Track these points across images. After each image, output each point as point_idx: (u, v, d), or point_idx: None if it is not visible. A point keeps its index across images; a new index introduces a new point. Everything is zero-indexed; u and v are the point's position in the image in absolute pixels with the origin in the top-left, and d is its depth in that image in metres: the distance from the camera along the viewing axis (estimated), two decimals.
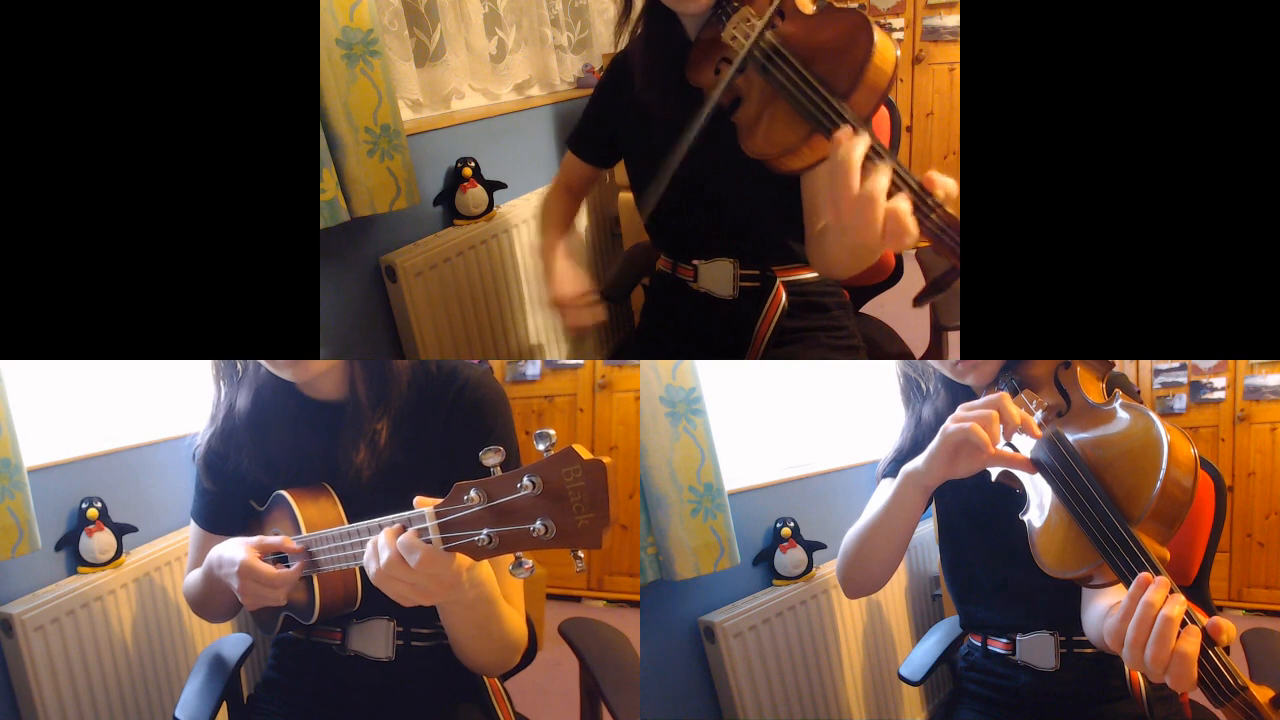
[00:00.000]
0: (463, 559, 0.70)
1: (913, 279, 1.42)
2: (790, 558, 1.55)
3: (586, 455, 0.63)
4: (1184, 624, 0.66)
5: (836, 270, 1.13)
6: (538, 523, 0.64)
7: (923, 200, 0.76)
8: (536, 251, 1.43)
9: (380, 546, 0.71)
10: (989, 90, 0.79)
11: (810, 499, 1.63)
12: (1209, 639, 0.65)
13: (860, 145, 0.75)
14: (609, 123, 1.30)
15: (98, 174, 0.77)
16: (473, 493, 0.66)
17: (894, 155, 0.79)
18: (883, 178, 0.74)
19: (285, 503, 0.93)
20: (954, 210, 0.76)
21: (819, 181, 1.05)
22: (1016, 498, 0.85)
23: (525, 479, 0.64)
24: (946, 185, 0.76)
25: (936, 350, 1.46)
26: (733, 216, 1.18)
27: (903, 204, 0.73)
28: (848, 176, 0.74)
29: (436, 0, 1.79)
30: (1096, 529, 0.74)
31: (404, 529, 0.71)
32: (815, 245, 1.10)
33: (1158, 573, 0.69)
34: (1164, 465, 0.73)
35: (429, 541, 0.69)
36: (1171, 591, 0.67)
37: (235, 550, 0.89)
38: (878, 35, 0.85)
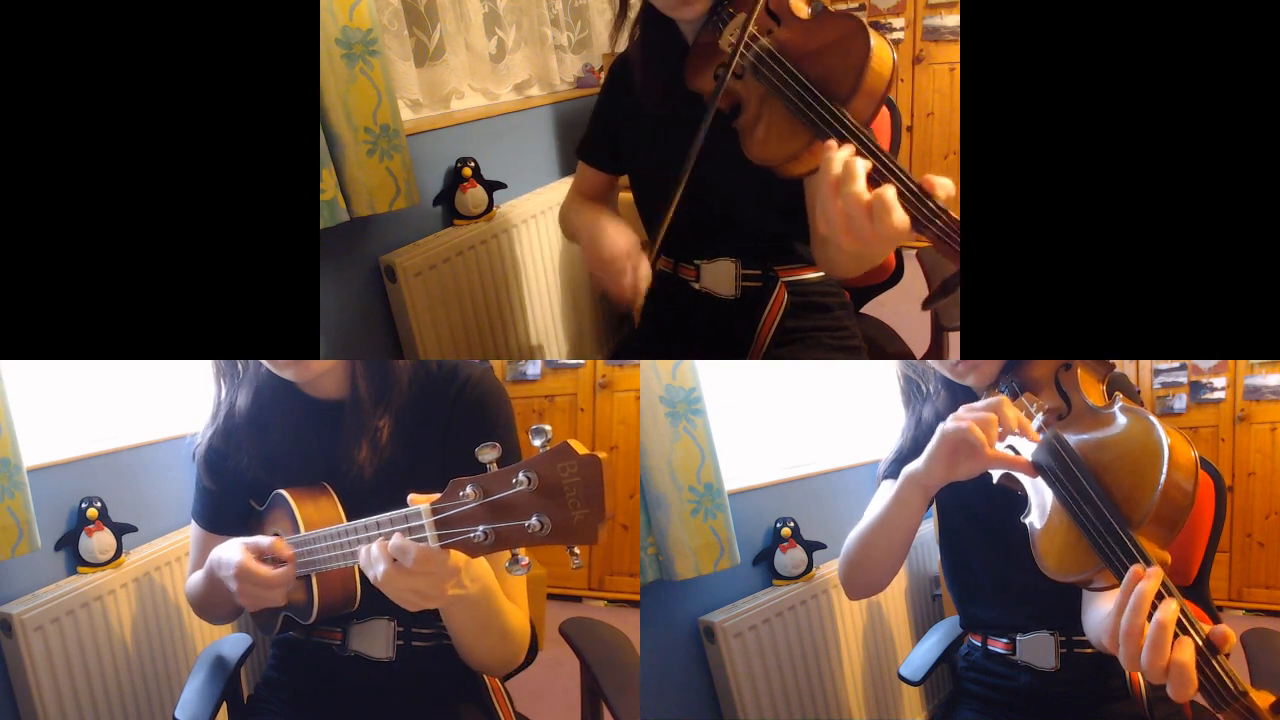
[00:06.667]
0: (458, 556, 0.70)
1: (913, 279, 1.42)
2: (790, 558, 1.55)
3: (582, 450, 0.62)
4: (1178, 633, 0.65)
5: (841, 271, 1.12)
6: (533, 518, 0.63)
7: (924, 205, 0.76)
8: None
9: (375, 557, 0.71)
10: (989, 90, 0.79)
11: (810, 499, 1.63)
12: (1212, 647, 0.65)
13: (845, 155, 0.75)
14: (612, 126, 1.30)
15: (97, 174, 0.77)
16: (469, 489, 0.66)
17: (894, 158, 0.79)
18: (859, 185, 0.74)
19: (284, 502, 0.92)
20: (955, 211, 0.76)
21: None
22: (1018, 500, 0.85)
23: (521, 475, 0.63)
24: (946, 187, 0.76)
25: (937, 350, 1.46)
26: (735, 216, 1.18)
27: (889, 193, 0.73)
28: (832, 189, 0.75)
29: (436, 0, 1.79)
30: (1097, 532, 0.74)
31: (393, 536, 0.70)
32: (820, 248, 1.10)
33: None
34: (1165, 469, 0.73)
35: (424, 539, 0.69)
36: (1168, 594, 0.67)
37: (232, 552, 0.89)
38: (874, 39, 0.84)
